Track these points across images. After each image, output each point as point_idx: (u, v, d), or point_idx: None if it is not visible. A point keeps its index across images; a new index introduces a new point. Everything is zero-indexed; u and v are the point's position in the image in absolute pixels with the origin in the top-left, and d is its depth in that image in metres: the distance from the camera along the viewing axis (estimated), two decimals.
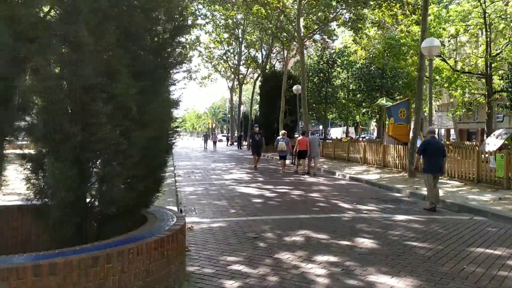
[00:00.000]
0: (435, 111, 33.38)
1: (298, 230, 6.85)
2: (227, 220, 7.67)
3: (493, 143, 14.43)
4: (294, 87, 26.12)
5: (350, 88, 37.13)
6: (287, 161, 17.93)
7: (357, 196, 10.75)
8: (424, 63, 14.07)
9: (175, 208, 7.94)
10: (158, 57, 4.63)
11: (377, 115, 36.13)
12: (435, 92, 29.98)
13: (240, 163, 21.63)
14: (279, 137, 17.09)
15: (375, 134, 72.65)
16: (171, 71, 4.79)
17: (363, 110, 37.37)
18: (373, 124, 77.45)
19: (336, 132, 54.72)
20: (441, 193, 9.96)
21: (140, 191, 4.45)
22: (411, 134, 14.20)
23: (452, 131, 42.23)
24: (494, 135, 14.84)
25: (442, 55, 22.54)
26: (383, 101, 23.13)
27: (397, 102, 20.97)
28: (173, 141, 5.00)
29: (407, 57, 24.95)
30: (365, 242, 6.13)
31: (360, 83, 35.63)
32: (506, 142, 14.53)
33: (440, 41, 24.13)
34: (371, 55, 31.45)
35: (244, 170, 17.91)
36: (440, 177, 9.52)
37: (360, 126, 67.18)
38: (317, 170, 16.27)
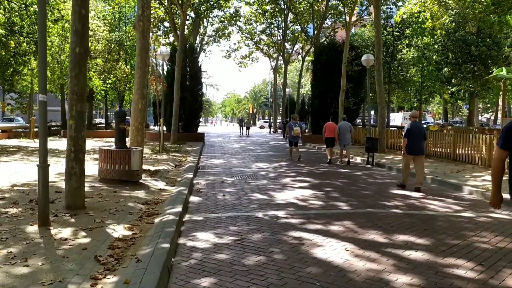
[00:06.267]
0: None
1: None
2: None
3: None
4: (364, 57, 19.17)
5: (433, 59, 28.70)
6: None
7: None
8: None
9: None
10: None
11: (473, 95, 27.59)
12: None
13: (294, 164, 15.09)
14: (290, 122, 16.36)
15: (442, 121, 63.83)
16: None
17: (452, 89, 28.64)
18: (433, 109, 68.05)
19: (397, 118, 46.82)
20: None
21: None
22: None
23: None
24: None
25: None
26: (501, 72, 15.82)
27: None
28: None
29: None
30: None
31: (447, 53, 27.31)
32: None
33: None
34: (460, 18, 23.72)
35: (305, 178, 11.38)
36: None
37: (422, 111, 58.43)
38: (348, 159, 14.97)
